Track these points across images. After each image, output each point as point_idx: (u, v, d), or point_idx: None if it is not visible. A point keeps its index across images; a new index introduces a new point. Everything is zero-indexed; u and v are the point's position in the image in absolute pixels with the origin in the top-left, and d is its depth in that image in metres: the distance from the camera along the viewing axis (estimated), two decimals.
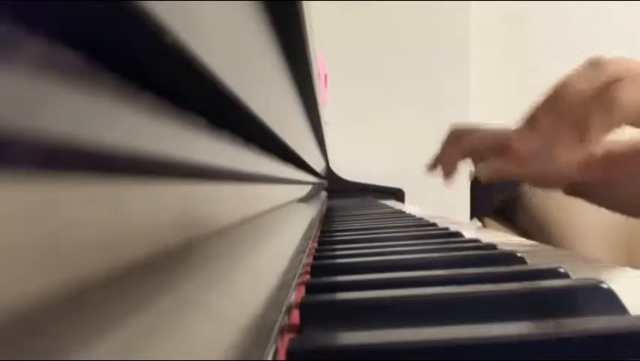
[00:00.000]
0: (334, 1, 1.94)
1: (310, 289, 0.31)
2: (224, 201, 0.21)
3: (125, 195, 0.11)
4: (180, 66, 0.13)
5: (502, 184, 0.67)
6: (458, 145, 0.68)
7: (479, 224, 0.81)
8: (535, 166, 0.45)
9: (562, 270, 0.31)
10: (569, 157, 0.39)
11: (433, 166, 0.72)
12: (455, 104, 2.12)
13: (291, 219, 0.41)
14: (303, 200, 0.65)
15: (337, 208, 1.08)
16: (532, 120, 0.44)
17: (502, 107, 2.22)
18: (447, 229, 0.59)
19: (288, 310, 0.25)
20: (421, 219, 0.74)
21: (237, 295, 0.16)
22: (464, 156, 0.68)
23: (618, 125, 0.39)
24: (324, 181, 1.33)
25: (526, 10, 2.19)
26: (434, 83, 2.11)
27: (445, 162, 0.71)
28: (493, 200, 1.26)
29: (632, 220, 0.48)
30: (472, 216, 1.38)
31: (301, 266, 0.34)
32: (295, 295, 0.28)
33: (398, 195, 1.55)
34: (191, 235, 0.15)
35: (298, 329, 0.25)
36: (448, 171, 0.71)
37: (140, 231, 0.12)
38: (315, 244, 0.51)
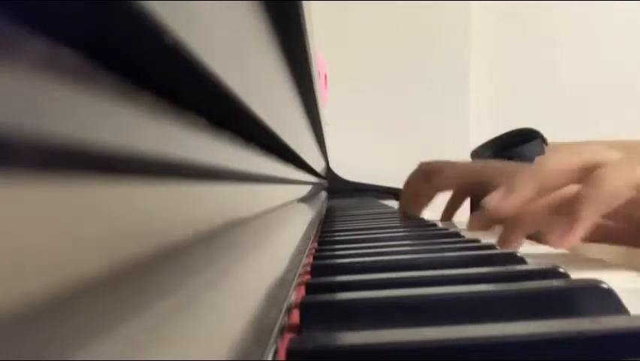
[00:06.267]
0: (334, 1, 1.94)
1: (310, 289, 0.31)
2: (224, 201, 0.21)
3: (125, 195, 0.11)
4: (180, 66, 0.13)
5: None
6: (428, 186, 0.67)
7: None
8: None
9: (561, 270, 0.31)
10: (559, 243, 0.40)
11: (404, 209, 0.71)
12: (455, 104, 2.12)
13: (291, 219, 0.41)
14: (303, 200, 0.65)
15: (337, 208, 1.08)
16: (514, 188, 0.45)
17: (502, 108, 2.22)
18: (447, 229, 0.59)
19: (288, 310, 0.25)
20: (421, 219, 0.74)
21: (237, 295, 0.16)
22: (433, 195, 0.69)
23: (605, 209, 0.40)
24: (324, 181, 1.33)
25: (526, 10, 2.19)
26: (434, 83, 2.11)
27: (411, 205, 0.70)
28: None
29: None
30: None
31: (301, 266, 0.34)
32: (295, 295, 0.28)
33: (398, 195, 1.54)
34: (191, 235, 0.15)
35: (298, 329, 0.25)
36: (414, 213, 0.70)
37: (140, 231, 0.12)
38: (315, 244, 0.51)
